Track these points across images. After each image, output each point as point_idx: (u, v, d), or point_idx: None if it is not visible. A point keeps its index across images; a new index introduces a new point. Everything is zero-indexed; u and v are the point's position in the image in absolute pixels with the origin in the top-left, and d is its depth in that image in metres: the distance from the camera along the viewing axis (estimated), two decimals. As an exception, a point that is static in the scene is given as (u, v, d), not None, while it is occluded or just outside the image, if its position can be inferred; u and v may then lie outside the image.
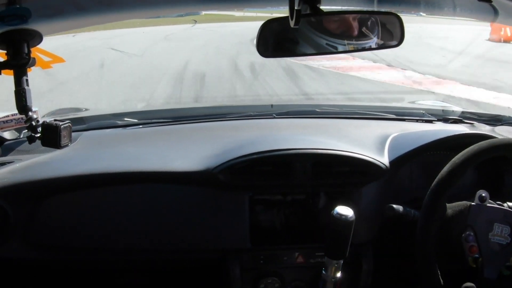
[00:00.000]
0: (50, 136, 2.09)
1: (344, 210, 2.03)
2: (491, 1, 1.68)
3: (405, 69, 13.88)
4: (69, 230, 2.38)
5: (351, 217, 2.02)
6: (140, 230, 2.39)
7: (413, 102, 4.35)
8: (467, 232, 2.08)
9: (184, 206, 2.38)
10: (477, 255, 2.05)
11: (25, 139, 2.25)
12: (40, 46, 2.05)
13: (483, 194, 2.09)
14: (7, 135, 2.75)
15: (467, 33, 20.58)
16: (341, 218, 2.01)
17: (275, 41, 1.97)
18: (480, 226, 2.07)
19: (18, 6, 1.72)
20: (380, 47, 2.08)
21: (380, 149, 2.46)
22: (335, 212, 2.02)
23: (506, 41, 19.35)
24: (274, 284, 2.45)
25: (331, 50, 2.02)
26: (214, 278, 2.56)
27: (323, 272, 2.18)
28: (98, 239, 2.39)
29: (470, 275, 2.07)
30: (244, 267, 2.43)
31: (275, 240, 2.44)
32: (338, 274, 2.16)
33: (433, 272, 2.01)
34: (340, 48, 2.01)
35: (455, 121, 2.90)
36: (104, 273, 2.69)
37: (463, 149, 2.04)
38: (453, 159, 2.04)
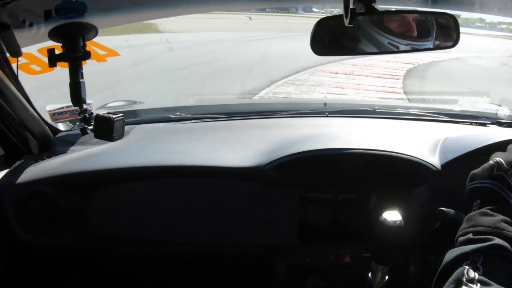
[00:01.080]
0: (103, 128, 2.12)
1: (392, 216, 2.00)
2: None
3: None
4: (119, 221, 2.41)
5: (399, 222, 2.00)
6: (189, 223, 2.40)
7: (466, 105, 4.28)
8: None
9: (234, 201, 2.39)
10: None
11: (79, 131, 2.28)
12: (95, 39, 2.08)
13: None
14: (61, 126, 2.79)
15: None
16: (388, 223, 1.99)
17: (331, 39, 1.96)
18: None
19: (74, 0, 1.75)
20: (436, 47, 2.06)
21: (433, 151, 2.43)
22: (382, 218, 2.00)
23: None
24: (320, 282, 2.45)
25: (393, 50, 2.00)
26: (260, 273, 2.56)
27: (370, 277, 2.16)
28: (147, 230, 2.42)
29: None
30: (291, 263, 2.43)
31: (323, 239, 2.43)
32: (385, 279, 2.14)
33: None
34: (402, 48, 1.99)
35: (509, 125, 2.84)
36: (151, 264, 2.71)
37: None
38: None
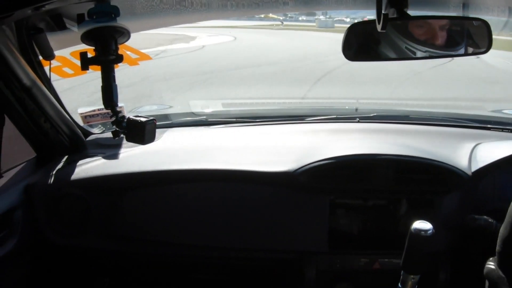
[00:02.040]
0: (135, 132, 2.12)
1: (423, 225, 1.97)
2: None
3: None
4: (149, 224, 2.42)
5: (430, 232, 1.97)
6: (218, 228, 2.41)
7: (497, 111, 4.24)
8: None
9: (264, 206, 2.39)
10: None
11: (110, 133, 2.30)
12: (127, 43, 2.09)
13: None
14: (92, 129, 2.82)
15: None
16: (420, 233, 1.97)
17: (361, 44, 1.96)
18: None
19: (107, 3, 1.76)
20: (467, 54, 2.04)
21: (464, 158, 2.41)
22: (413, 228, 1.98)
23: None
24: None
25: (410, 56, 1.99)
26: (289, 279, 2.56)
27: (399, 286, 2.14)
28: (176, 234, 2.43)
29: None
30: (320, 269, 2.43)
31: (353, 245, 2.42)
32: None
33: None
34: (425, 54, 1.98)
35: None
36: (179, 267, 2.72)
37: None
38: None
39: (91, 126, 2.80)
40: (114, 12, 1.83)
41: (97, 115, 2.70)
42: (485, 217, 2.15)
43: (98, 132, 2.82)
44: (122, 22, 1.87)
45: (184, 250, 2.48)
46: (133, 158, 2.52)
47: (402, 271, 2.06)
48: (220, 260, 2.59)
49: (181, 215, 2.42)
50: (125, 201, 2.39)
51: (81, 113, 2.70)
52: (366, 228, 2.42)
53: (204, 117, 3.06)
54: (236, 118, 3.03)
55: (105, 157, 2.52)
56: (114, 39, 1.98)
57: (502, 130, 2.83)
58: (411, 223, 2.03)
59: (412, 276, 2.05)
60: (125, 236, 2.44)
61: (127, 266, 2.74)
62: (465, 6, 2.28)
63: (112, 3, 1.79)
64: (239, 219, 2.40)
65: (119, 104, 2.14)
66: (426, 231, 1.93)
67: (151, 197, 2.41)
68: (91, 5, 1.80)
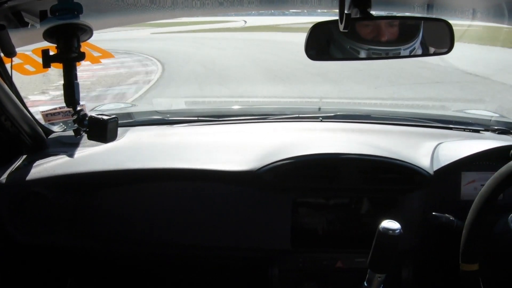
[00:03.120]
0: (97, 130, 2.11)
1: (392, 224, 1.99)
2: None
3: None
4: (113, 223, 2.41)
5: (398, 231, 1.99)
6: (183, 226, 2.40)
7: (460, 111, 4.29)
8: None
9: (227, 205, 2.39)
10: None
11: (72, 132, 2.28)
12: (90, 41, 2.07)
13: None
14: (54, 127, 2.79)
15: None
16: (387, 232, 1.98)
17: (323, 44, 1.97)
18: None
19: (70, 0, 1.74)
20: (429, 54, 2.06)
21: (426, 157, 2.43)
22: (381, 227, 1.99)
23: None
24: (312, 287, 2.44)
25: (373, 56, 2.01)
26: (254, 277, 2.56)
27: (365, 284, 2.16)
28: (140, 232, 2.42)
29: None
30: (284, 268, 2.43)
31: (316, 244, 2.43)
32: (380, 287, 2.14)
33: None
34: (389, 54, 2.00)
35: (503, 132, 2.84)
36: (146, 266, 2.71)
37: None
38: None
39: (53, 124, 2.78)
40: (77, 9, 1.81)
41: (59, 113, 2.68)
42: (446, 215, 2.17)
43: (59, 131, 2.80)
44: (85, 19, 1.86)
45: (147, 248, 2.47)
46: (96, 156, 2.50)
47: (368, 270, 2.08)
48: (185, 258, 2.59)
49: (143, 214, 2.41)
50: (89, 200, 2.38)
51: (42, 112, 2.67)
52: (329, 227, 2.43)
53: (167, 115, 3.04)
54: (199, 116, 3.02)
55: (67, 156, 2.49)
56: (77, 36, 1.96)
57: (464, 130, 2.87)
58: (373, 222, 2.05)
59: (378, 275, 2.06)
60: (90, 235, 2.42)
61: (92, 265, 2.72)
62: (429, 7, 2.30)
63: (76, 0, 1.78)
64: (203, 217, 2.40)
65: (81, 102, 2.13)
66: (394, 230, 1.94)
67: (113, 196, 2.40)
68: (54, 2, 1.78)
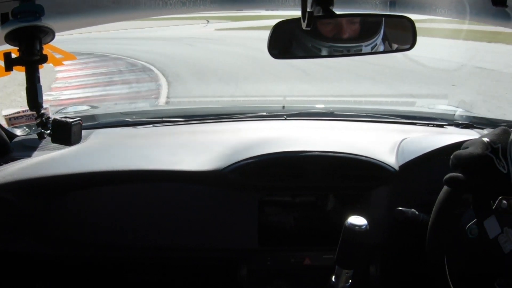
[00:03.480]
0: (61, 133, 2.09)
1: (358, 220, 2.00)
2: (507, 6, 1.67)
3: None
4: (80, 227, 2.39)
5: (365, 227, 2.00)
6: (150, 228, 2.39)
7: (424, 107, 4.33)
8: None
9: (194, 205, 2.38)
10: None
11: (36, 135, 2.26)
12: (52, 43, 2.05)
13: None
14: (17, 131, 2.76)
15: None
16: (354, 228, 1.99)
17: (288, 43, 1.97)
18: (491, 222, 2.03)
19: (31, 2, 1.73)
20: (391, 50, 2.07)
21: (391, 153, 2.45)
22: (348, 222, 2.00)
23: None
24: (281, 285, 2.45)
25: (335, 53, 2.02)
26: (222, 277, 2.56)
27: (333, 280, 2.17)
28: (107, 235, 2.40)
29: (484, 278, 2.04)
30: (252, 267, 2.44)
31: (283, 242, 2.44)
32: (348, 283, 2.15)
33: (444, 276, 1.98)
34: (352, 51, 2.01)
35: (466, 126, 2.88)
36: (112, 269, 2.70)
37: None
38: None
39: (16, 128, 2.75)
40: (39, 11, 1.80)
41: (22, 116, 2.65)
42: (412, 210, 2.19)
43: (23, 134, 2.77)
44: (47, 21, 1.84)
45: (114, 252, 2.46)
46: (60, 160, 2.47)
47: (336, 266, 2.09)
48: (152, 260, 2.58)
49: (110, 217, 2.39)
50: (55, 204, 2.35)
51: (5, 115, 2.64)
52: (296, 225, 2.44)
53: (132, 117, 3.03)
54: (163, 117, 3.02)
55: (31, 160, 2.46)
56: (39, 39, 1.94)
57: (428, 125, 2.90)
58: (340, 219, 2.06)
59: (346, 271, 2.07)
60: (56, 239, 2.39)
61: (61, 270, 2.70)
62: (391, 3, 2.32)
63: (37, 2, 1.76)
64: (168, 218, 2.39)
65: (44, 105, 2.11)
66: (360, 226, 1.96)
67: (79, 199, 2.38)
68: (16, 4, 1.76)
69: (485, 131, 2.78)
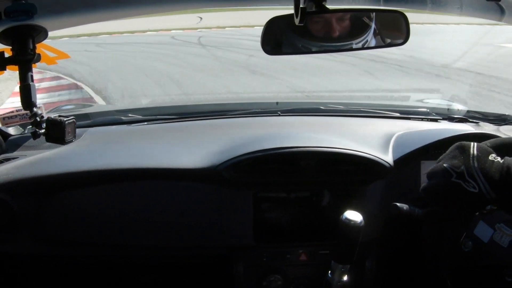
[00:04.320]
0: (55, 132, 2.09)
1: (353, 215, 2.01)
2: (499, 0, 1.67)
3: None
4: (76, 226, 2.38)
5: (360, 222, 2.00)
6: (145, 226, 2.39)
7: (418, 101, 4.34)
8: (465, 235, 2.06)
9: (189, 202, 2.38)
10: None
11: (30, 134, 2.26)
12: (45, 42, 2.05)
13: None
14: (11, 130, 2.75)
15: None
16: (350, 223, 2.00)
17: (281, 38, 1.97)
18: (480, 228, 2.04)
19: (24, 1, 1.72)
20: (384, 45, 2.08)
21: (385, 148, 2.46)
22: (343, 217, 2.01)
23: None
24: (277, 281, 2.45)
25: (327, 49, 2.03)
26: (218, 274, 2.56)
27: (329, 275, 2.18)
28: (104, 234, 2.40)
29: (493, 273, 2.05)
30: (248, 264, 2.44)
31: (279, 238, 2.44)
32: (345, 278, 2.16)
33: (439, 269, 1.99)
34: (345, 47, 2.01)
35: (460, 120, 2.89)
36: (109, 268, 2.69)
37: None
38: None
39: (10, 127, 2.74)
40: (32, 10, 1.80)
41: (16, 116, 2.64)
42: (407, 204, 2.20)
43: (17, 134, 2.76)
44: (39, 20, 1.84)
45: (111, 251, 2.45)
46: (55, 159, 2.47)
47: (332, 261, 2.09)
48: (149, 259, 2.58)
49: (106, 215, 2.38)
50: (50, 203, 2.34)
51: (-1, 115, 2.64)
52: (291, 221, 2.44)
53: (126, 114, 3.02)
54: (158, 115, 3.01)
55: (26, 159, 2.46)
56: (32, 38, 1.94)
57: (422, 119, 2.90)
58: (335, 214, 2.07)
59: (342, 266, 2.08)
60: (54, 239, 2.39)
61: (57, 270, 2.69)
62: None
63: (30, 1, 1.76)
64: (164, 216, 2.39)
65: (38, 104, 2.11)
66: (356, 221, 1.97)
67: (75, 198, 2.37)
68: (8, 3, 1.76)
69: (479, 125, 2.79)
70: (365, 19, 2.02)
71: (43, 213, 2.33)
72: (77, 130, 2.21)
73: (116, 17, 2.25)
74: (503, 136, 2.41)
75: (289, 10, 1.70)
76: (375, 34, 2.03)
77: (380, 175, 2.40)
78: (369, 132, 2.65)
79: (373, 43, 2.04)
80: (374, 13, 2.05)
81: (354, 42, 2.01)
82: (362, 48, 2.06)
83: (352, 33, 2.01)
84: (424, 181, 2.35)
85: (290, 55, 2.16)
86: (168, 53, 17.85)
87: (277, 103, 3.26)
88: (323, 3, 1.69)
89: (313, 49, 1.99)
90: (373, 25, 2.02)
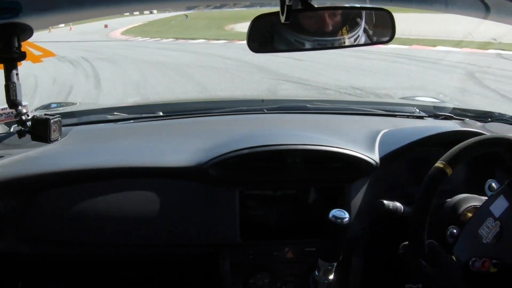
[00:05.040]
0: (40, 130, 2.09)
1: (340, 213, 2.01)
2: None
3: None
4: (62, 224, 2.37)
5: (347, 220, 2.01)
6: (131, 224, 2.38)
7: (404, 98, 4.35)
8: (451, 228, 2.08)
9: (175, 200, 2.39)
10: (456, 230, 2.05)
11: (15, 133, 2.25)
12: (31, 40, 2.04)
13: (493, 184, 2.07)
14: (-3, 129, 2.74)
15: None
16: (336, 221, 2.00)
17: (267, 36, 1.97)
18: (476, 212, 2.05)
19: (8, -1, 1.71)
20: (371, 43, 2.08)
21: (371, 145, 2.47)
22: (330, 215, 2.01)
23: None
24: (264, 279, 2.46)
25: (313, 47, 2.02)
26: (205, 272, 2.56)
27: (316, 273, 2.18)
28: (90, 233, 2.39)
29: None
30: (234, 262, 2.44)
31: (265, 235, 2.45)
32: (331, 276, 2.17)
33: (422, 230, 2.00)
34: (333, 44, 2.01)
35: (446, 118, 2.91)
36: (96, 266, 2.69)
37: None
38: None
39: (-4, 126, 2.73)
40: (17, 8, 1.79)
41: (1, 115, 2.62)
42: (392, 201, 2.20)
43: (3, 132, 2.75)
44: (25, 18, 1.83)
45: (97, 249, 2.45)
46: (40, 158, 2.46)
47: (319, 259, 2.10)
48: (135, 257, 2.58)
49: (92, 214, 2.37)
50: (36, 202, 2.34)
51: (-16, 114, 2.62)
52: (278, 218, 2.45)
53: (111, 113, 3.01)
54: (144, 113, 3.01)
55: (11, 158, 2.45)
56: (17, 36, 1.93)
57: (408, 116, 2.92)
58: (322, 211, 2.08)
59: (328, 263, 2.09)
60: (41, 238, 2.38)
61: (43, 268, 2.68)
62: None
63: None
64: (150, 215, 2.38)
65: (23, 103, 2.10)
66: (342, 219, 1.97)
67: (61, 197, 2.37)
68: (-8, 1, 1.75)
69: (465, 122, 2.81)
70: (356, 15, 2.02)
71: (28, 212, 2.32)
72: (63, 128, 2.21)
73: (103, 14, 2.23)
74: (488, 133, 2.43)
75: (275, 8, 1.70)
76: (364, 31, 2.03)
77: (366, 173, 2.41)
78: (355, 129, 2.66)
79: (363, 39, 2.04)
80: (362, 11, 2.06)
81: (346, 37, 2.01)
82: (353, 44, 2.06)
83: (344, 28, 2.01)
84: (408, 178, 2.38)
85: (279, 52, 2.16)
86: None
87: (262, 100, 3.26)
88: (309, 0, 1.69)
89: (306, 45, 1.98)
90: (363, 22, 2.02)
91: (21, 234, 2.35)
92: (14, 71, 2.01)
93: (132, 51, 21.96)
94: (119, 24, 45.00)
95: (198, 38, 27.91)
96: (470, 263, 1.92)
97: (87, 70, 14.57)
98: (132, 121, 2.89)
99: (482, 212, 2.00)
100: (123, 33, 38.69)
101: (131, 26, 44.57)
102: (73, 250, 2.45)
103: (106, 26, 44.52)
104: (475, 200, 2.16)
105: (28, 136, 2.14)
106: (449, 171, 1.96)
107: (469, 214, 2.08)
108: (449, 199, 2.18)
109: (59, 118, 2.13)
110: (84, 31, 38.67)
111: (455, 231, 2.05)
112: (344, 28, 1.99)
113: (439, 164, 1.97)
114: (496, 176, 2.30)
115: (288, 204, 2.46)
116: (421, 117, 2.92)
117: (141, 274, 2.73)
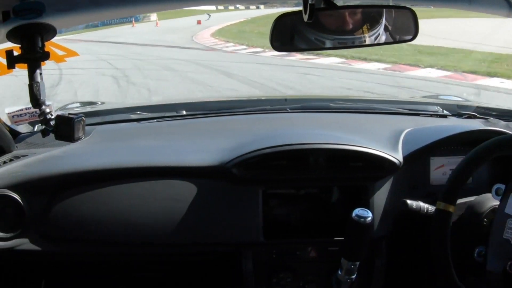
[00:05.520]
0: (64, 129, 2.10)
1: (363, 212, 2.01)
2: None
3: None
4: (84, 224, 2.38)
5: (370, 219, 2.01)
6: (154, 224, 2.39)
7: (427, 97, 4.33)
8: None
9: (198, 200, 2.39)
10: (482, 248, 2.04)
11: (39, 132, 2.26)
12: (54, 39, 2.05)
13: (500, 187, 2.06)
14: (21, 128, 2.76)
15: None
16: (359, 220, 2.00)
17: (290, 35, 1.97)
18: (495, 221, 2.05)
19: (32, 0, 1.73)
20: (393, 41, 2.07)
21: (394, 144, 2.46)
22: (353, 214, 2.01)
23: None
24: (287, 278, 2.46)
25: (339, 45, 2.01)
26: (228, 271, 2.56)
27: (339, 272, 2.18)
28: (113, 232, 2.40)
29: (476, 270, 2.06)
30: (257, 260, 2.44)
31: (288, 234, 2.44)
32: (354, 276, 2.16)
33: (449, 268, 1.99)
34: (355, 43, 2.01)
35: (469, 116, 2.88)
36: (118, 266, 2.70)
37: (477, 145, 2.03)
38: (467, 155, 2.02)
39: (20, 125, 2.75)
40: (40, 9, 1.80)
41: (25, 114, 2.65)
42: (416, 201, 2.19)
43: (26, 132, 2.77)
44: (48, 18, 1.84)
45: (121, 248, 2.46)
46: (64, 157, 2.48)
47: (342, 259, 2.10)
48: (158, 257, 2.59)
49: (116, 213, 2.38)
50: (59, 201, 2.35)
51: (8, 113, 2.64)
52: (301, 217, 2.44)
53: (135, 112, 3.03)
54: (167, 112, 3.02)
55: (35, 157, 2.47)
56: (41, 36, 1.94)
57: (431, 115, 2.90)
58: (345, 210, 2.08)
59: (352, 263, 2.09)
60: (62, 237, 2.39)
61: (65, 266, 2.70)
62: None
63: (38, -1, 1.76)
64: (173, 214, 2.39)
65: (47, 102, 2.11)
66: (365, 218, 1.97)
67: (84, 196, 2.38)
68: (17, 1, 1.76)
69: (489, 121, 2.79)
70: (376, 13, 2.01)
71: (52, 210, 2.33)
72: (86, 127, 2.21)
73: (124, 14, 2.25)
74: None
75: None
76: (385, 30, 2.03)
77: (389, 172, 2.40)
78: (378, 128, 2.65)
79: (383, 38, 2.04)
80: (384, 9, 2.05)
81: (367, 35, 2.00)
82: (374, 43, 2.05)
83: (365, 26, 2.01)
84: (433, 177, 2.36)
85: (301, 51, 2.16)
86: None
87: (286, 99, 3.27)
88: None
89: (327, 43, 1.98)
90: (383, 21, 2.01)
91: (45, 233, 2.36)
92: (38, 71, 2.02)
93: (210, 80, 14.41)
94: (215, 21, 39.28)
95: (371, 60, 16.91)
96: (508, 268, 1.93)
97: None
98: (155, 120, 2.90)
99: (500, 218, 2.00)
100: (214, 34, 30.03)
101: (228, 24, 36.67)
102: (96, 250, 2.46)
103: (199, 22, 39.84)
104: (488, 201, 2.15)
105: (51, 136, 2.15)
106: (452, 209, 1.96)
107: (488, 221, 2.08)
108: (462, 213, 2.17)
109: (83, 118, 2.14)
110: (171, 27, 34.89)
111: (482, 251, 2.04)
112: (365, 26, 1.98)
113: (439, 206, 1.98)
114: (500, 179, 2.28)
115: (311, 203, 2.46)
116: (444, 116, 2.91)
117: (163, 274, 2.73)
